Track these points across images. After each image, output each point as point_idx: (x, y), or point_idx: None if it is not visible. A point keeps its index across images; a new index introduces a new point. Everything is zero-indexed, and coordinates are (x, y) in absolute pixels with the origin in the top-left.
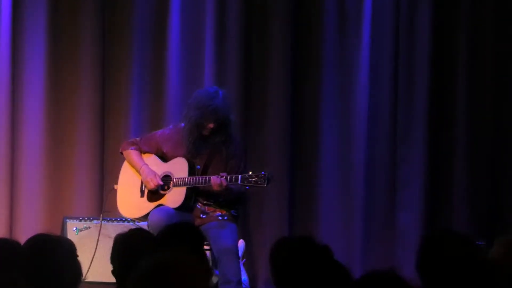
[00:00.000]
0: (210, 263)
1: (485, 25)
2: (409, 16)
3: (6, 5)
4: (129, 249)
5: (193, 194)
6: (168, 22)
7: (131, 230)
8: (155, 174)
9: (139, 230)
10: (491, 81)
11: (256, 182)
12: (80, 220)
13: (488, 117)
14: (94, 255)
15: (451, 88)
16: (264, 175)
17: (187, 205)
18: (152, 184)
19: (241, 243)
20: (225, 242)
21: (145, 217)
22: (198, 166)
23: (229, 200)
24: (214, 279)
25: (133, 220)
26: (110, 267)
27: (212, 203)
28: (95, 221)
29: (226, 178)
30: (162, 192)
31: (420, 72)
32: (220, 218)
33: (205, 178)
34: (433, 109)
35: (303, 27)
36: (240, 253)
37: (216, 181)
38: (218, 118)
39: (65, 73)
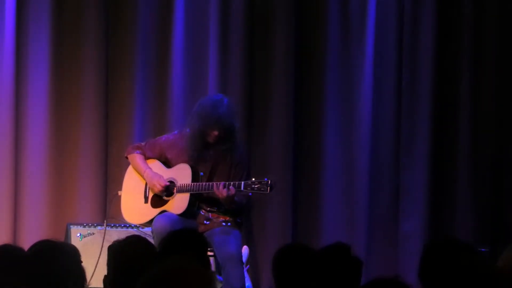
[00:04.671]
0: (214, 270)
1: (487, 35)
2: (412, 26)
3: (10, 10)
4: (124, 256)
5: (197, 200)
6: (172, 27)
7: (128, 237)
8: (159, 176)
9: (137, 237)
10: (495, 90)
11: (259, 188)
12: (84, 226)
13: (492, 126)
14: (98, 261)
15: (455, 97)
16: (267, 181)
17: (190, 212)
18: (159, 186)
19: (245, 249)
20: (229, 249)
21: (149, 223)
22: (202, 173)
23: (231, 210)
24: (218, 286)
25: (137, 226)
26: None
27: (215, 210)
28: (99, 227)
29: (229, 185)
30: (165, 198)
31: (423, 80)
32: (224, 224)
33: (209, 184)
34: (436, 117)
35: (306, 37)
36: (244, 259)
37: (222, 192)
38: (223, 126)
39: (68, 80)
